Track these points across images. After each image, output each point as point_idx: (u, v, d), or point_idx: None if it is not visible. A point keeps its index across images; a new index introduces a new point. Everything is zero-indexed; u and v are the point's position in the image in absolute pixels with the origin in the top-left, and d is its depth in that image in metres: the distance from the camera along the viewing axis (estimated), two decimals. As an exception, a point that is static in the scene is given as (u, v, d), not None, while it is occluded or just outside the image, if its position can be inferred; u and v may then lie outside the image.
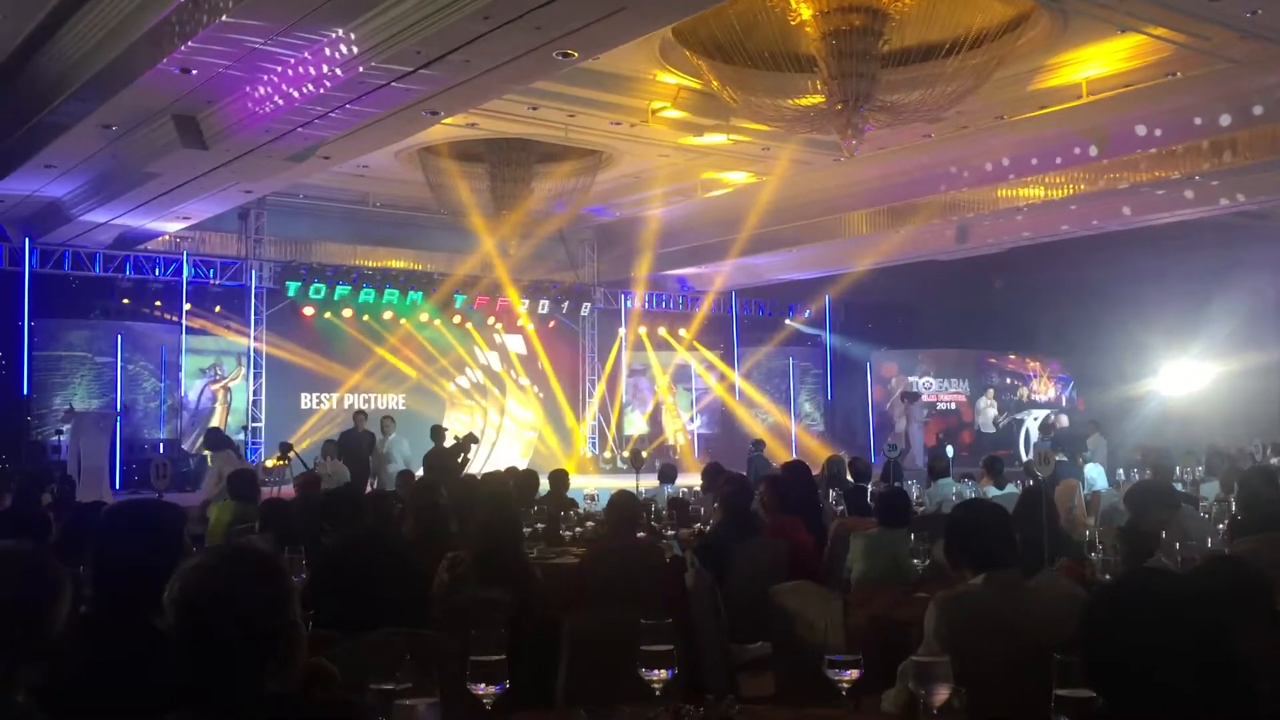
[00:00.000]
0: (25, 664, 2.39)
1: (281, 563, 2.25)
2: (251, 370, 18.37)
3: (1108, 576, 4.32)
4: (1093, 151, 14.51)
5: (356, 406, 18.68)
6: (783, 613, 4.67)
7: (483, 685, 2.67)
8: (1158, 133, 13.82)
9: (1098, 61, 12.74)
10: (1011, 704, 2.66)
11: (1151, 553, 4.92)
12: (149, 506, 3.23)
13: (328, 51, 10.11)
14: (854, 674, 2.71)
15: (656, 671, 2.76)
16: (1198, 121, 13.43)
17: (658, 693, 2.79)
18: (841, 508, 8.97)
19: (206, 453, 14.16)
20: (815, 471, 9.48)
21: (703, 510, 8.42)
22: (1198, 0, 10.29)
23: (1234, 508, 7.08)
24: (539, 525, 7.89)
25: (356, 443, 14.43)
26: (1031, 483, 10.73)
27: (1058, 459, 13.32)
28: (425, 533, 6.05)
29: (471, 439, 13.81)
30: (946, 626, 3.11)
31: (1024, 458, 19.15)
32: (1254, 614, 2.38)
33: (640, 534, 6.91)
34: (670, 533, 7.65)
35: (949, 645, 2.86)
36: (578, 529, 7.86)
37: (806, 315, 23.90)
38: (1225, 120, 13.15)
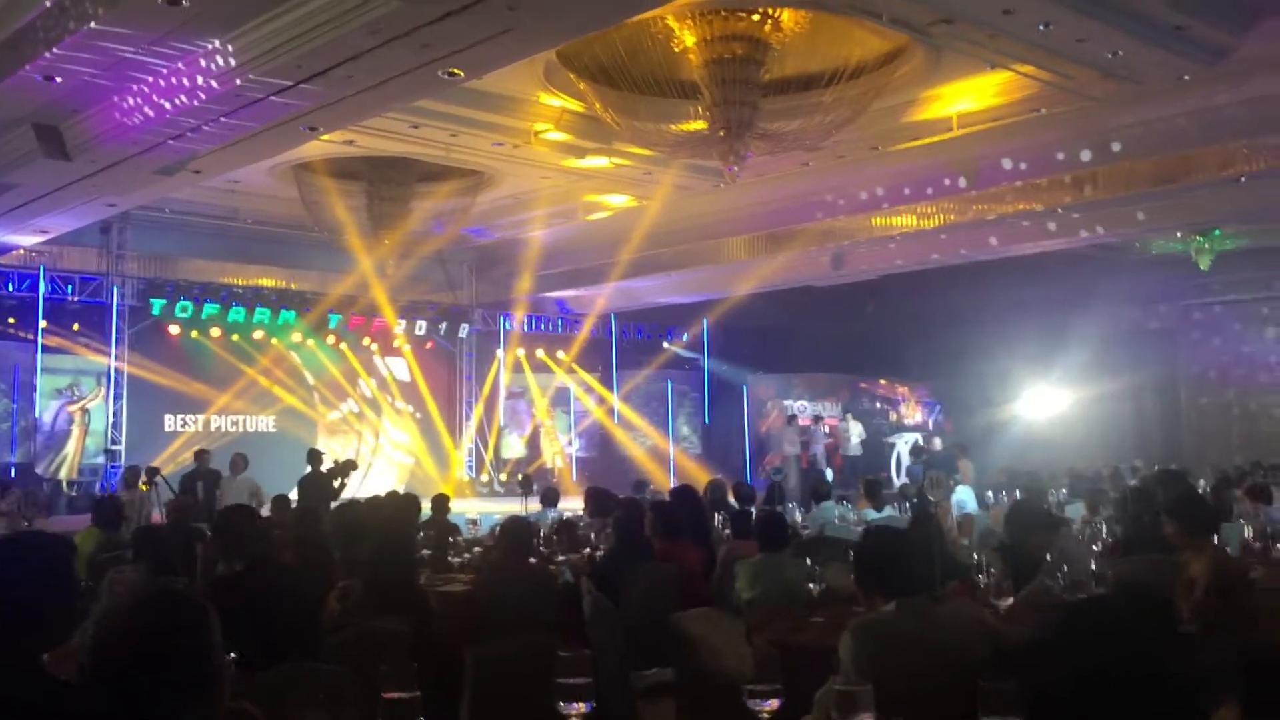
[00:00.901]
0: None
1: (205, 604, 2.12)
2: (112, 391, 17.58)
3: (1000, 600, 4.41)
4: (962, 183, 15.00)
5: (224, 429, 18.16)
6: (685, 639, 4.65)
7: (397, 724, 2.56)
8: (1023, 166, 14.38)
9: (968, 96, 13.17)
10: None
11: (1034, 575, 5.05)
12: (37, 540, 3.04)
13: (203, 62, 9.77)
14: (774, 704, 2.69)
15: (575, 705, 2.70)
16: (1060, 156, 14.01)
17: (574, 726, 2.72)
18: (728, 531, 8.99)
19: None
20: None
21: (592, 535, 8.35)
22: (1063, 40, 10.71)
23: (1103, 530, 7.34)
24: (425, 551, 7.73)
25: (200, 481, 13.71)
26: (909, 505, 10.98)
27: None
28: (305, 561, 5.87)
29: (350, 465, 13.50)
30: (864, 654, 3.12)
31: (895, 481, 19.60)
32: (1168, 637, 2.44)
33: (530, 559, 6.83)
34: (561, 558, 7.58)
35: (867, 673, 2.87)
36: (465, 555, 7.73)
37: (685, 339, 24.11)
38: (1086, 156, 13.75)
